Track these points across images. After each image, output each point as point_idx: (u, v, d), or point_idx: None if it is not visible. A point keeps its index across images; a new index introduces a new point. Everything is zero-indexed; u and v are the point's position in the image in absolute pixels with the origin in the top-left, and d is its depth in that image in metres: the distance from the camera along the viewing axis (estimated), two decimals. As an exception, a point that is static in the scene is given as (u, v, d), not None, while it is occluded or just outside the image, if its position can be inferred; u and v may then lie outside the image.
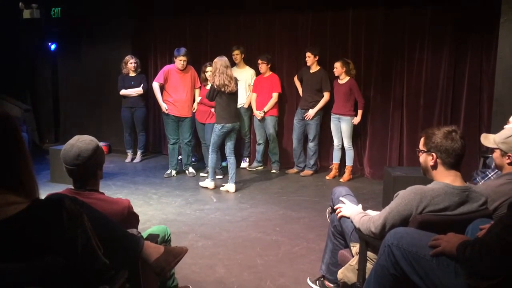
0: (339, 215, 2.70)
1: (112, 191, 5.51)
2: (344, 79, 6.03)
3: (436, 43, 5.87)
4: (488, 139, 2.66)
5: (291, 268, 3.46)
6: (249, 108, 6.66)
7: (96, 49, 7.81)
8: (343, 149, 6.22)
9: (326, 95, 6.21)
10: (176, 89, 6.18)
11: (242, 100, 6.62)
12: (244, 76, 6.59)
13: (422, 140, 2.35)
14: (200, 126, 6.27)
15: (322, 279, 3.04)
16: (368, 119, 6.34)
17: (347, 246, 2.68)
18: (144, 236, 2.32)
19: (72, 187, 2.20)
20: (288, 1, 6.60)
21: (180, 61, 6.04)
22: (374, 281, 2.08)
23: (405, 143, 6.17)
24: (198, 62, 6.68)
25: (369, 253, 2.38)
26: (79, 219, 1.40)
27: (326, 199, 4.91)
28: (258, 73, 6.58)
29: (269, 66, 6.46)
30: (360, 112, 6.03)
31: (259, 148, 6.77)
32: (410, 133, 6.08)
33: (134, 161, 7.28)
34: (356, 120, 6.05)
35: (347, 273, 2.48)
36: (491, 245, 1.70)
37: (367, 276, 2.27)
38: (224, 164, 6.38)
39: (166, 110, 6.19)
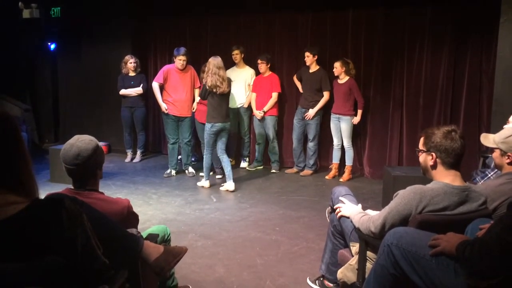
0: (339, 214, 2.70)
1: (112, 191, 5.51)
2: (343, 79, 6.04)
3: (436, 43, 5.87)
4: (487, 139, 2.66)
5: (290, 268, 3.46)
6: (249, 107, 6.66)
7: (96, 49, 7.81)
8: (342, 149, 6.22)
9: (326, 95, 6.21)
10: (175, 89, 6.18)
11: (242, 100, 6.63)
12: (244, 75, 6.59)
13: (421, 139, 2.35)
14: (199, 126, 6.26)
15: (321, 279, 3.04)
16: (368, 119, 6.34)
17: (346, 245, 2.69)
18: (144, 236, 2.32)
19: (72, 187, 2.20)
20: (288, 1, 6.60)
21: (179, 60, 6.04)
22: (374, 281, 2.09)
23: (404, 142, 6.17)
24: (198, 62, 6.68)
25: (369, 253, 2.38)
26: (78, 219, 1.40)
27: (325, 199, 4.92)
28: (258, 73, 6.58)
29: (268, 66, 6.46)
30: (359, 112, 6.04)
31: (259, 148, 6.77)
32: (410, 132, 6.08)
33: (134, 161, 7.28)
34: (356, 120, 6.06)
35: (346, 272, 2.49)
36: (490, 245, 1.70)
37: (366, 275, 2.27)
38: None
39: (166, 110, 6.19)
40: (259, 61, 6.44)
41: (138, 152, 7.36)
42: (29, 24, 7.33)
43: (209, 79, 5.31)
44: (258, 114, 6.50)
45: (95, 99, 7.98)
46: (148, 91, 7.00)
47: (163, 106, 6.20)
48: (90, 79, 7.95)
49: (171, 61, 6.60)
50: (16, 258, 1.28)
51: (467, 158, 4.33)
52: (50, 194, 1.82)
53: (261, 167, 6.84)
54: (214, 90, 5.33)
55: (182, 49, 6.05)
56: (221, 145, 5.61)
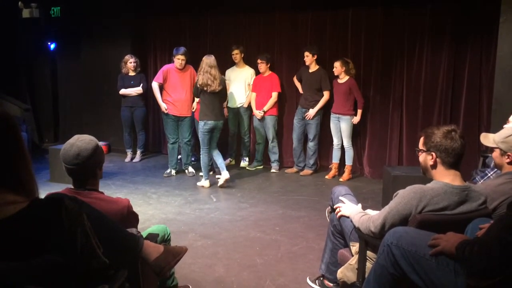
0: (339, 214, 2.70)
1: (112, 190, 5.51)
2: (343, 79, 6.03)
3: (436, 43, 5.87)
4: (487, 139, 2.66)
5: (290, 268, 3.46)
6: (249, 107, 6.66)
7: (96, 48, 7.81)
8: (342, 148, 6.22)
9: (326, 95, 6.21)
10: (175, 89, 6.18)
11: (242, 100, 6.63)
12: (244, 75, 6.59)
13: (421, 139, 2.35)
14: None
15: (321, 279, 3.04)
16: (368, 119, 6.34)
17: (346, 245, 2.69)
18: (144, 236, 2.32)
19: (72, 187, 2.20)
20: (288, 0, 6.60)
21: (178, 60, 6.04)
22: (374, 281, 2.09)
23: (404, 142, 6.17)
24: (197, 61, 6.59)
25: (369, 253, 2.38)
26: (78, 218, 1.40)
27: (325, 199, 4.92)
28: (257, 72, 6.58)
29: (268, 65, 6.46)
30: (359, 111, 6.04)
31: (259, 148, 6.77)
32: (410, 132, 6.08)
33: (134, 160, 7.27)
34: (356, 119, 6.06)
35: (346, 272, 2.49)
36: (490, 244, 1.70)
37: (366, 275, 2.27)
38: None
39: (166, 110, 6.19)
40: (259, 61, 6.44)
41: (138, 152, 7.36)
42: (29, 23, 7.33)
43: (200, 77, 5.44)
44: (258, 113, 6.50)
45: (95, 99, 7.97)
46: (148, 90, 7.00)
47: (163, 106, 6.20)
48: (90, 78, 7.94)
49: (170, 61, 6.60)
50: (16, 258, 1.28)
51: (467, 157, 4.31)
52: (50, 193, 1.83)
53: (261, 166, 6.84)
54: (205, 88, 5.43)
55: (182, 49, 6.05)
56: (212, 144, 5.72)
